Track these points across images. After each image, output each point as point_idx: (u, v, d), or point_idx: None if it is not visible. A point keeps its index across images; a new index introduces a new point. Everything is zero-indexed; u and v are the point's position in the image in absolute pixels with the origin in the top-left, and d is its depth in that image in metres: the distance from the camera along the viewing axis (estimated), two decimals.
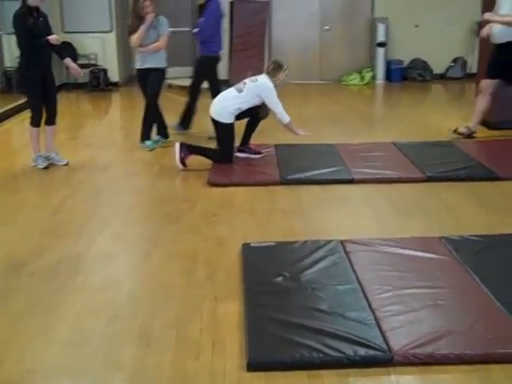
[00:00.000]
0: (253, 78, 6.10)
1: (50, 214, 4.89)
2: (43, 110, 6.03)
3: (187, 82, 11.01)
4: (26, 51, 5.88)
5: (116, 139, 7.37)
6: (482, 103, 7.00)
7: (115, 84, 11.47)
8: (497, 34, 6.64)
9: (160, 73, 6.85)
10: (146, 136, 6.91)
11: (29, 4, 5.78)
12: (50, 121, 6.14)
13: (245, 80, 6.14)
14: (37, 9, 5.88)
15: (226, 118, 6.02)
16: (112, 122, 9.74)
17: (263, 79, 6.06)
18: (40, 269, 3.90)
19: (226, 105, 6.03)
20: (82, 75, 6.70)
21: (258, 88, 6.00)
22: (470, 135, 7.03)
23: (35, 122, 6.05)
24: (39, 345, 3.04)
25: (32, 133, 6.09)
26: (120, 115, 10.32)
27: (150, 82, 6.79)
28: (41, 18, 5.91)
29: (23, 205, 5.14)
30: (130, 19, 6.85)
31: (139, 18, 6.58)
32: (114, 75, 11.47)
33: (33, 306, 3.43)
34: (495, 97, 7.01)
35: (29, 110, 6.15)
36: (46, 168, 6.09)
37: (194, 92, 7.45)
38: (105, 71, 11.25)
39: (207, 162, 6.05)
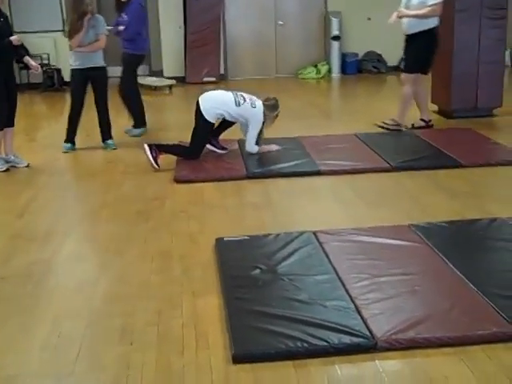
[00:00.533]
0: (253, 100, 6.01)
1: (15, 218, 4.79)
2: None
3: (144, 81, 11.02)
4: None
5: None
6: (418, 95, 7.12)
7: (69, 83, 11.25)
8: (406, 25, 6.81)
9: (106, 72, 6.73)
10: (109, 134, 6.83)
11: None
12: (11, 122, 6.02)
13: (244, 95, 6.04)
14: None
15: (211, 117, 5.98)
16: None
17: (259, 110, 5.97)
18: (11, 273, 3.82)
19: (217, 107, 5.96)
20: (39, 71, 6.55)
21: (251, 114, 5.94)
22: (428, 126, 7.15)
23: (0, 125, 5.92)
24: (18, 350, 2.99)
25: None
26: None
27: (102, 81, 6.65)
28: (1, 19, 5.78)
29: None
30: (69, 18, 6.59)
31: (82, 17, 6.36)
32: (68, 75, 11.24)
33: (8, 311, 3.37)
34: (452, 87, 7.19)
35: None
36: (6, 171, 5.95)
37: (132, 90, 7.36)
38: (58, 71, 11.05)
39: (172, 158, 6.01)
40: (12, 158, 6.12)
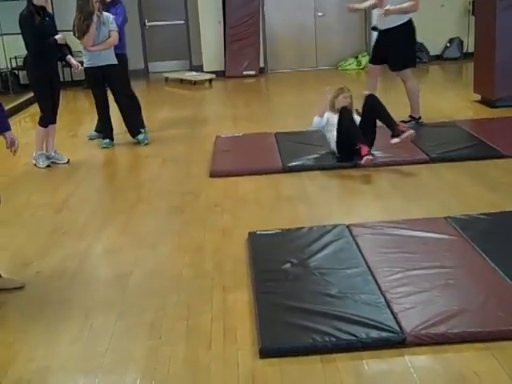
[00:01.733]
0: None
1: (53, 213, 4.88)
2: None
3: (184, 76, 11.10)
4: (34, 52, 5.84)
5: (118, 132, 7.31)
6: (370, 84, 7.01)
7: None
8: (382, 20, 6.63)
9: (119, 68, 6.67)
10: (135, 130, 6.83)
11: (35, 3, 5.74)
12: (54, 119, 6.13)
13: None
14: (43, 8, 5.85)
15: None
16: (113, 117, 9.68)
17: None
18: (47, 267, 3.89)
19: None
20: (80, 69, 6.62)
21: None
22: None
23: (45, 123, 6.05)
24: (50, 342, 3.04)
25: (40, 133, 6.09)
26: (118, 110, 10.25)
27: (116, 77, 6.62)
28: (47, 18, 5.89)
29: (27, 204, 5.12)
30: (77, 18, 6.38)
31: (90, 17, 6.30)
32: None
33: (42, 304, 3.42)
34: (495, 75, 7.01)
35: (38, 110, 6.09)
36: (47, 167, 6.07)
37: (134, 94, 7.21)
38: None
39: (209, 153, 6.04)
40: (53, 154, 6.23)
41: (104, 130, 6.85)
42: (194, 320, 3.15)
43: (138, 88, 11.15)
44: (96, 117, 7.04)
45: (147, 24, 12.13)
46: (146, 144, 6.72)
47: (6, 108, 8.90)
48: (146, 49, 12.35)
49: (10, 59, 10.67)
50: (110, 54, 6.53)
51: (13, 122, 8.71)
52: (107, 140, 6.77)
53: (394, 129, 5.56)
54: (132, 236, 4.37)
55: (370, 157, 5.28)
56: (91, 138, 7.12)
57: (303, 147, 6.06)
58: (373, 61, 7.05)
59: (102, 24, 6.43)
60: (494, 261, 3.43)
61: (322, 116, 5.70)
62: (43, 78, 5.89)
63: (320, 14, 11.75)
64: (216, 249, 4.01)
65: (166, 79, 11.32)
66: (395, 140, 5.54)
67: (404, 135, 5.52)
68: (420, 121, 6.82)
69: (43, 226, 4.61)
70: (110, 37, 6.47)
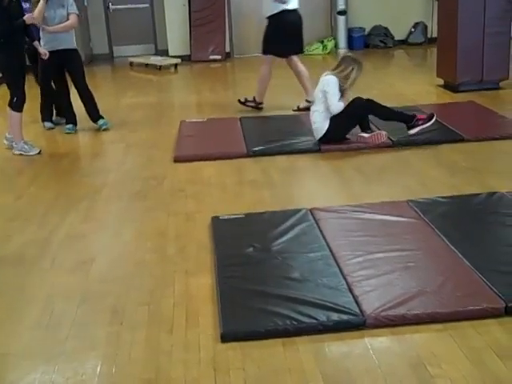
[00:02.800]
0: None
1: (14, 199, 4.81)
2: None
3: (149, 60, 10.98)
4: (3, 34, 5.62)
5: (80, 119, 7.21)
6: (298, 76, 7.16)
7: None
8: (263, 7, 6.87)
9: (78, 53, 6.59)
10: (96, 115, 6.68)
11: None
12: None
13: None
14: None
15: None
16: (75, 102, 9.56)
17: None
18: (7, 253, 3.85)
19: None
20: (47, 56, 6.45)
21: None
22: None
23: (20, 106, 5.86)
24: (10, 329, 3.01)
25: (16, 118, 5.88)
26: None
27: (77, 62, 6.50)
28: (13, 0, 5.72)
29: None
30: None
31: None
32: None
33: (1, 291, 3.38)
34: (458, 59, 7.08)
35: (10, 94, 5.86)
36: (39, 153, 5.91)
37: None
38: None
39: (172, 138, 6.01)
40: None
41: (67, 115, 6.74)
42: (156, 305, 3.14)
43: (102, 73, 11.10)
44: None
45: (111, 7, 11.95)
46: (105, 129, 6.63)
47: None
48: (110, 33, 12.17)
49: None
50: (70, 37, 6.38)
51: None
52: (70, 125, 6.66)
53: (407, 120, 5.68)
54: (95, 222, 4.33)
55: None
56: (50, 128, 6.88)
57: (268, 132, 6.06)
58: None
59: (61, 6, 6.25)
60: (453, 243, 3.49)
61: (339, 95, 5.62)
62: (14, 60, 5.71)
63: None
64: (179, 234, 4.00)
65: (131, 64, 11.19)
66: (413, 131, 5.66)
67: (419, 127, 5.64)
68: (260, 106, 7.07)
69: (3, 212, 4.54)
70: (68, 20, 6.30)
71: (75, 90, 6.67)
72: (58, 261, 3.75)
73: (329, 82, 5.60)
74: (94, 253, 3.83)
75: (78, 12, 6.46)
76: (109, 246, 3.96)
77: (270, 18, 6.81)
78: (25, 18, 5.72)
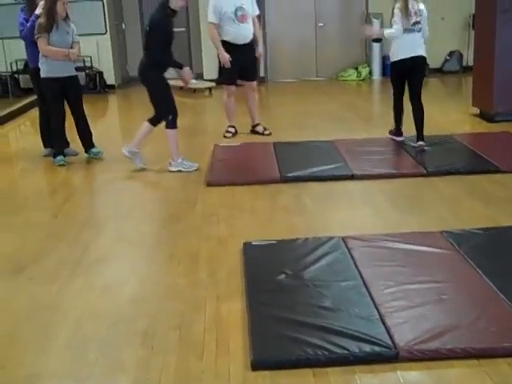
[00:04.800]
0: None
1: (49, 217, 4.87)
2: None
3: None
4: (156, 56, 5.78)
5: (115, 141, 7.32)
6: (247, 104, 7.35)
7: (111, 86, 11.45)
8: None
9: (79, 80, 6.58)
10: (90, 144, 6.56)
11: (172, 7, 5.65)
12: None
13: None
14: (175, 13, 5.76)
15: None
16: (110, 123, 9.72)
17: None
18: (41, 273, 3.88)
19: None
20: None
21: None
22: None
23: (175, 123, 5.93)
24: (40, 348, 3.02)
25: (174, 136, 5.93)
26: (118, 117, 10.30)
27: (77, 90, 6.43)
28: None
29: (22, 209, 5.11)
30: (43, 18, 6.03)
31: (54, 18, 6.02)
32: (110, 78, 11.45)
33: (33, 310, 3.41)
34: (494, 89, 7.03)
35: (165, 113, 5.91)
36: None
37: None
38: (101, 74, 11.22)
39: (206, 162, 6.04)
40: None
41: (61, 145, 6.50)
42: (187, 330, 3.14)
43: (137, 95, 11.22)
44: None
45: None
46: (99, 158, 6.48)
47: (6, 112, 9.02)
48: None
49: (11, 63, 10.69)
50: (71, 65, 6.32)
51: (12, 126, 8.76)
52: (60, 156, 6.38)
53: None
54: (127, 243, 4.36)
55: None
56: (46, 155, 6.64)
57: (301, 157, 6.07)
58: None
59: (66, 33, 6.19)
60: (489, 276, 3.43)
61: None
62: (162, 79, 5.87)
63: (320, 24, 11.79)
64: (211, 258, 4.00)
65: None
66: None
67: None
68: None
69: (39, 230, 4.60)
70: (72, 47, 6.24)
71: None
72: (89, 281, 3.77)
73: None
74: (125, 274, 3.85)
75: (79, 40, 6.40)
76: (140, 268, 3.98)
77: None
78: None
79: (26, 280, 3.78)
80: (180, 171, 5.87)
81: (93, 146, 6.57)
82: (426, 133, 6.61)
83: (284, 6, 11.66)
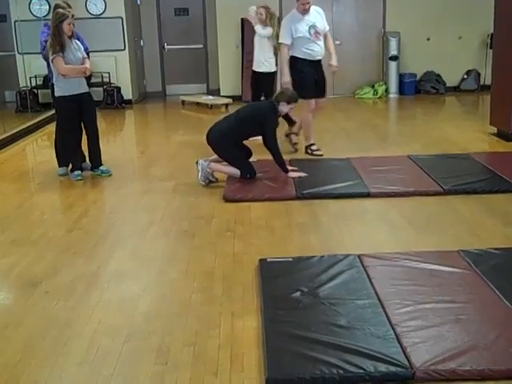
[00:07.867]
0: None
1: (65, 232, 4.89)
2: None
3: (201, 99, 11.19)
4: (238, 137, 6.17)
5: (131, 156, 7.37)
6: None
7: (129, 102, 11.54)
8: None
9: (92, 97, 6.53)
10: (99, 162, 6.54)
11: (279, 110, 6.10)
12: None
13: None
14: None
15: None
16: (127, 139, 9.79)
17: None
18: (56, 287, 3.89)
19: None
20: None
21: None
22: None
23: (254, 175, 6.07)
24: (55, 363, 3.02)
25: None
26: (135, 132, 10.36)
27: (92, 107, 6.42)
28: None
29: (39, 223, 5.14)
30: (51, 39, 6.04)
31: (61, 38, 6.03)
32: (128, 93, 11.54)
33: (48, 324, 3.41)
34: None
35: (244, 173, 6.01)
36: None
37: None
38: (118, 89, 11.32)
39: (222, 177, 6.05)
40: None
41: (76, 160, 6.49)
42: (202, 346, 3.12)
43: (154, 110, 11.35)
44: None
45: (166, 47, 12.27)
46: (110, 175, 6.50)
47: (24, 126, 9.11)
48: (164, 71, 12.49)
49: (30, 78, 10.82)
50: (84, 81, 6.31)
51: (30, 140, 8.84)
52: (78, 171, 6.43)
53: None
54: (142, 259, 4.36)
55: None
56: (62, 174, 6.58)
57: (317, 174, 6.06)
58: None
59: (75, 50, 6.18)
60: (507, 297, 3.39)
61: None
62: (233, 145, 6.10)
63: (338, 42, 11.79)
64: (226, 274, 3.99)
65: (183, 102, 11.41)
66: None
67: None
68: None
69: (54, 245, 4.62)
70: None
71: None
72: (104, 296, 3.77)
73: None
74: (141, 290, 3.84)
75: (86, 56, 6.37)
76: (155, 283, 3.97)
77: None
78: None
79: (41, 294, 3.79)
80: None
81: (101, 164, 6.53)
82: (442, 151, 6.61)
83: None
